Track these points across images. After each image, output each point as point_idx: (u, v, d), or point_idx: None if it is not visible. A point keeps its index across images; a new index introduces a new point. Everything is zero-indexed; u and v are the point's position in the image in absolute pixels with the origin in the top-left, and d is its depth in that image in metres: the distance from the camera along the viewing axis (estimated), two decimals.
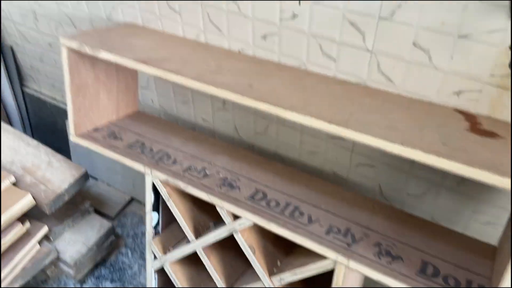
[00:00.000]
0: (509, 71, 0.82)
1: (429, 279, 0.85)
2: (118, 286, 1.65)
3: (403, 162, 1.11)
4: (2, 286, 1.38)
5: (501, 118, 0.90)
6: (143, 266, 1.73)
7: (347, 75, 1.04)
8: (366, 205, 1.08)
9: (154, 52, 1.13)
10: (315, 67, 1.09)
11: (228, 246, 1.27)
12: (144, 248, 1.82)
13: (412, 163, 1.10)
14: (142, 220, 1.95)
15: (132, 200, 2.06)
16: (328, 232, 0.96)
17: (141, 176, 2.00)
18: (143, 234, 1.88)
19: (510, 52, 0.80)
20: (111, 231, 1.71)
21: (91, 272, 1.68)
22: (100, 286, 1.64)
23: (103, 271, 1.70)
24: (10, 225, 1.39)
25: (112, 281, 1.67)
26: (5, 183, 1.45)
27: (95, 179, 2.12)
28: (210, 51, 1.22)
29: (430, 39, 0.86)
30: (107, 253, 1.74)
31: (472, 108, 0.91)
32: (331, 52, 1.02)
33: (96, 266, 1.70)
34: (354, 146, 1.19)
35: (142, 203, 2.02)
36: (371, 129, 0.77)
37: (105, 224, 1.69)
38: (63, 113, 2.09)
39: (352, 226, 0.99)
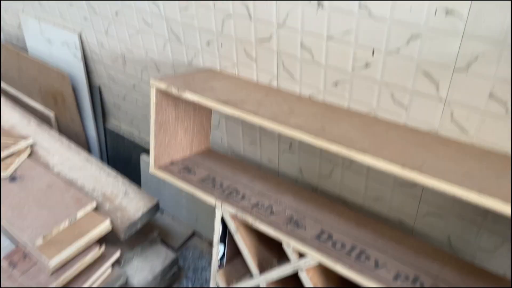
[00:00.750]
0: None
1: None
2: None
3: (476, 213, 1.08)
4: None
5: None
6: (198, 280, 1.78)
7: (418, 123, 1.06)
8: (435, 255, 1.05)
9: (232, 94, 1.23)
10: (386, 114, 1.12)
11: (291, 284, 1.28)
12: (203, 282, 1.86)
13: (485, 216, 1.07)
14: (202, 254, 2.01)
15: (194, 234, 2.13)
16: (396, 278, 0.95)
17: (205, 211, 2.10)
18: (203, 268, 1.94)
19: None
20: (175, 262, 1.78)
21: None
22: None
23: None
24: (89, 247, 1.51)
25: None
26: (88, 208, 1.59)
27: (161, 211, 2.24)
28: (282, 95, 1.30)
29: (507, 91, 0.86)
30: (169, 283, 1.80)
31: None
32: (403, 100, 1.05)
33: None
34: (422, 195, 1.18)
35: (204, 238, 2.09)
36: (446, 176, 0.78)
37: (170, 255, 1.77)
38: (138, 148, 2.27)
39: (421, 274, 0.97)
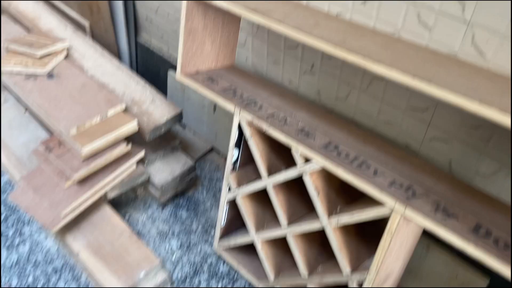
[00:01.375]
0: None
1: (480, 238, 0.89)
2: (192, 216, 1.87)
3: (479, 139, 1.12)
4: (105, 190, 1.64)
5: None
6: (214, 204, 1.93)
7: (439, 45, 1.07)
8: (433, 172, 1.12)
9: (261, 4, 1.24)
10: (409, 35, 1.13)
11: (295, 191, 1.38)
12: (217, 191, 2.00)
13: (487, 141, 1.10)
14: (218, 168, 2.14)
15: (212, 149, 2.25)
16: (390, 184, 1.02)
17: (224, 129, 2.20)
18: (218, 179, 2.07)
19: None
20: (193, 169, 1.91)
21: (172, 199, 1.91)
22: (177, 213, 1.87)
23: (181, 201, 1.93)
24: (117, 143, 1.64)
25: (187, 210, 1.89)
26: (117, 109, 1.70)
27: (184, 126, 2.35)
28: (310, 11, 1.31)
29: None
30: (186, 187, 1.95)
31: None
32: (428, 21, 1.05)
33: (176, 195, 1.93)
34: (432, 119, 1.21)
35: (221, 154, 2.21)
36: (452, 88, 0.81)
37: (189, 162, 1.89)
38: (167, 64, 2.33)
39: (414, 184, 1.03)
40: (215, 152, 2.25)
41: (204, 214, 1.88)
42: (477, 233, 0.90)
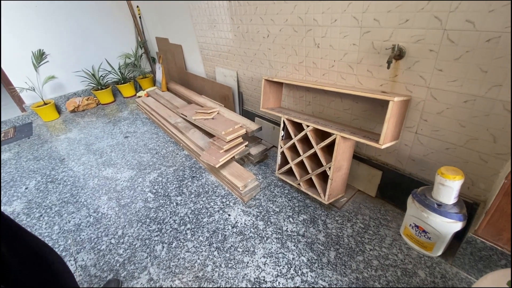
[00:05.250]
0: None
1: (364, 138, 1.42)
2: (266, 168, 2.47)
3: (368, 115, 1.62)
4: (234, 155, 2.34)
5: None
6: (274, 164, 2.40)
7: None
8: (349, 127, 1.63)
9: (288, 79, 2.02)
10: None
11: (304, 143, 1.86)
12: (275, 160, 2.52)
13: (369, 116, 1.60)
14: (275, 152, 2.63)
15: (273, 146, 2.52)
16: (335, 129, 1.62)
17: (277, 137, 2.65)
18: (275, 156, 2.55)
19: None
20: (266, 150, 2.44)
21: (257, 162, 2.31)
22: (260, 167, 2.48)
23: (261, 163, 2.32)
24: (238, 137, 2.26)
25: (264, 166, 2.31)
26: (237, 126, 2.41)
27: (261, 138, 3.01)
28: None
29: None
30: (263, 158, 2.37)
31: None
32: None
33: (259, 161, 2.33)
34: (351, 111, 1.79)
35: (276, 148, 2.69)
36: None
37: (264, 147, 2.44)
38: (253, 114, 2.79)
39: (344, 128, 1.62)
40: (274, 147, 2.72)
41: (270, 167, 2.26)
42: (364, 137, 1.48)
